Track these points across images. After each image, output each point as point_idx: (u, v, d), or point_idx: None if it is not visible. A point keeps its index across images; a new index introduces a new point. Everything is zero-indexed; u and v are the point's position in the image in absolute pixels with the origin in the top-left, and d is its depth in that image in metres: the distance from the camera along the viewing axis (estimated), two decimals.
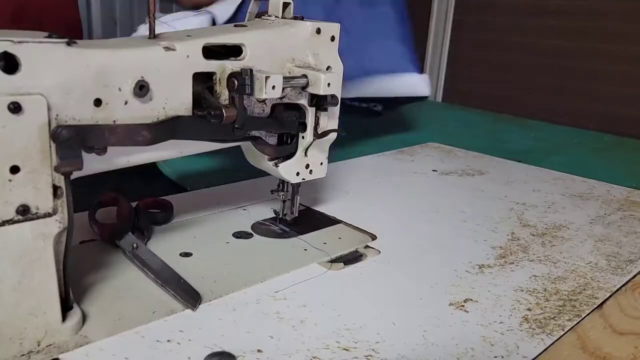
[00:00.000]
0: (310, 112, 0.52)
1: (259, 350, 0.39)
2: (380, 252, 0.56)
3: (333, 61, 0.53)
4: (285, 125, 0.53)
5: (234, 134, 0.48)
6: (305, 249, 0.55)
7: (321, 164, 0.57)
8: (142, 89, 0.40)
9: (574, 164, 0.94)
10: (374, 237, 0.59)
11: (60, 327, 0.38)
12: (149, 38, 0.44)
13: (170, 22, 0.76)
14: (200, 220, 0.60)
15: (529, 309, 0.47)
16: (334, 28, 0.52)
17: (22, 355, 0.37)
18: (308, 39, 0.51)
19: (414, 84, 0.79)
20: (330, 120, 0.54)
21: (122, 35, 1.66)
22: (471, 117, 1.21)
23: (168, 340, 0.39)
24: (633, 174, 0.90)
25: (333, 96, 0.50)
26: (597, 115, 1.32)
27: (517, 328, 0.44)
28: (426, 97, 0.73)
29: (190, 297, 0.44)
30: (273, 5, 0.52)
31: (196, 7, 0.75)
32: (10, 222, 0.35)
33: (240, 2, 0.83)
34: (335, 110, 0.55)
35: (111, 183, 0.64)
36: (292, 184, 0.57)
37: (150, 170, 0.78)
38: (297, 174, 0.55)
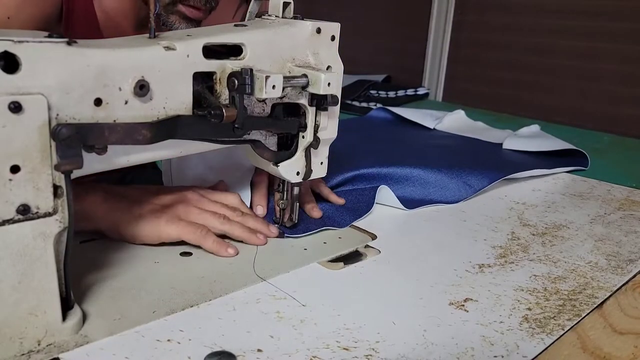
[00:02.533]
0: (310, 112, 0.52)
1: (259, 350, 0.39)
2: (380, 251, 0.56)
3: (333, 61, 0.53)
4: (285, 125, 0.52)
5: (234, 134, 0.48)
6: (305, 249, 0.55)
7: (321, 163, 0.57)
8: (142, 88, 0.40)
9: None
10: (374, 237, 0.59)
11: (61, 327, 0.38)
12: (149, 38, 0.44)
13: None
14: None
15: (529, 309, 0.47)
16: (334, 28, 0.52)
17: (22, 354, 0.37)
18: (308, 39, 0.51)
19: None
20: (330, 120, 0.54)
21: None
22: (471, 117, 1.21)
23: (168, 340, 0.39)
24: (633, 173, 0.90)
25: (333, 96, 0.50)
26: (597, 115, 1.32)
27: (517, 327, 0.44)
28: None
29: None
30: (273, 5, 0.52)
31: None
32: (11, 221, 0.35)
33: None
34: (336, 110, 0.55)
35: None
36: (291, 186, 0.57)
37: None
38: (297, 173, 0.55)
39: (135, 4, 0.68)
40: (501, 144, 1.00)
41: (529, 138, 1.02)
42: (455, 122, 1.16)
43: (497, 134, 1.08)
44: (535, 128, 1.10)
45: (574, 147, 0.95)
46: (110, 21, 0.67)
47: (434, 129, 1.13)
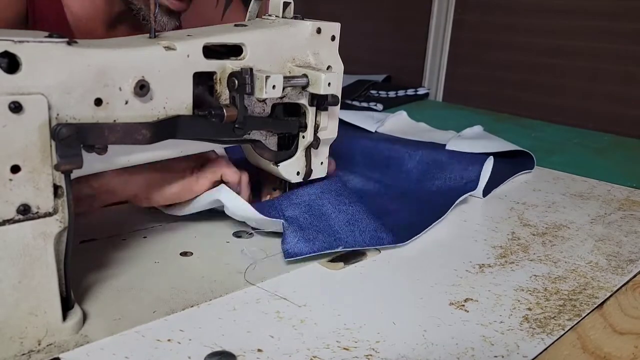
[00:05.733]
0: (311, 112, 0.52)
1: (259, 350, 0.39)
2: (380, 251, 0.56)
3: (333, 61, 0.53)
4: (285, 125, 0.53)
5: (234, 134, 0.48)
6: None
7: (321, 163, 0.57)
8: (142, 88, 0.41)
9: (574, 163, 0.94)
10: None
11: (61, 327, 0.38)
12: (149, 38, 0.44)
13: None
14: (201, 219, 0.60)
15: (529, 309, 0.47)
16: (334, 28, 0.52)
17: (23, 354, 0.37)
18: (308, 39, 0.51)
19: None
20: (330, 120, 0.54)
21: None
22: (471, 117, 1.21)
23: (168, 340, 0.39)
24: (633, 173, 0.90)
25: (333, 96, 0.50)
26: (597, 115, 1.32)
27: (517, 328, 0.44)
28: None
29: None
30: (273, 5, 0.52)
31: None
32: (11, 221, 0.35)
33: None
34: (336, 110, 0.55)
35: None
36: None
37: None
38: (297, 173, 0.55)
39: (106, 4, 0.68)
40: (444, 145, 0.94)
41: (473, 139, 0.97)
42: (397, 124, 1.12)
43: (440, 135, 1.03)
44: (478, 129, 1.05)
45: (520, 148, 0.91)
46: (79, 23, 0.68)
47: (376, 131, 1.07)
